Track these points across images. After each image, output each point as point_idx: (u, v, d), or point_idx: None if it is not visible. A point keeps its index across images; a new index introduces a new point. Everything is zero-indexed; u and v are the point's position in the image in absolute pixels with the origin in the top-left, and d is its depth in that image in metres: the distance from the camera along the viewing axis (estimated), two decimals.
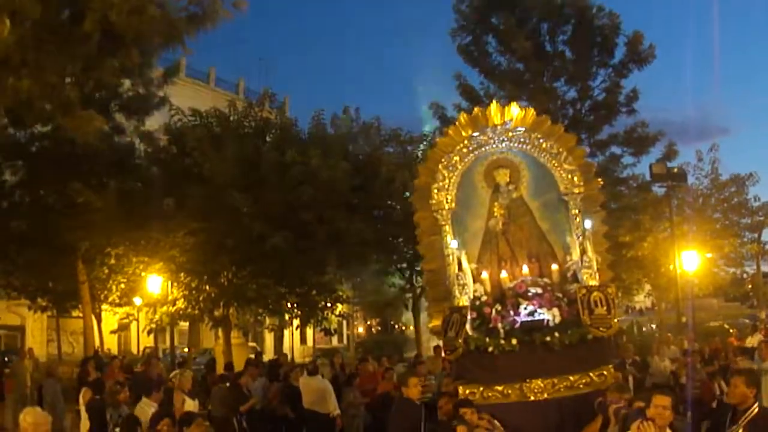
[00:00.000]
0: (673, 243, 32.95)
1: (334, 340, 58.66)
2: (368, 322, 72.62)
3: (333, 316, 35.69)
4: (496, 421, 10.74)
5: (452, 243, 12.16)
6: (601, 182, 13.15)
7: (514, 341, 11.36)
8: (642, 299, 62.14)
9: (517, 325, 11.66)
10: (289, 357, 41.43)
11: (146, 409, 12.86)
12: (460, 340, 11.59)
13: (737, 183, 40.39)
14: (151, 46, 18.30)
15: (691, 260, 33.17)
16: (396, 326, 68.76)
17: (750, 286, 56.36)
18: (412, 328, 48.22)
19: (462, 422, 10.06)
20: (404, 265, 36.25)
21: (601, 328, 11.34)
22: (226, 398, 19.24)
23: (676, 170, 33.74)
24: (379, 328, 70.29)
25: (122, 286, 32.97)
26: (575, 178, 12.21)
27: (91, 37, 16.21)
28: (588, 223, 12.00)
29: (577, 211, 12.16)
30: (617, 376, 12.62)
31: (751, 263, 45.01)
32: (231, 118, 31.23)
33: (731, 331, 40.96)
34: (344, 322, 53.55)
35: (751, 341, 28.64)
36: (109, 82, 24.38)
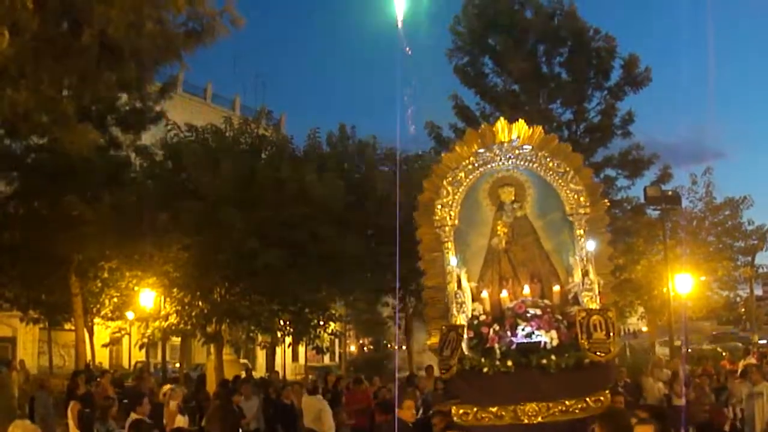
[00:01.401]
0: (666, 266, 32.95)
1: (326, 359, 58.50)
2: (360, 341, 72.44)
3: (325, 335, 35.63)
4: None
5: (452, 260, 12.04)
6: (608, 203, 13.07)
7: (509, 363, 11.20)
8: (635, 322, 62.14)
9: (514, 346, 11.50)
10: (281, 374, 41.37)
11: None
12: (455, 359, 11.43)
13: (731, 206, 40.45)
14: (149, 61, 18.32)
15: (684, 283, 33.21)
16: (389, 345, 68.62)
17: (743, 310, 56.43)
18: (404, 347, 48.18)
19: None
20: (397, 285, 36.19)
21: (598, 353, 11.16)
22: (220, 416, 19.19)
23: (670, 193, 33.76)
24: (371, 347, 70.11)
25: (115, 299, 32.96)
26: (581, 199, 12.03)
27: (89, 50, 16.23)
28: (591, 245, 11.91)
29: (581, 232, 11.96)
30: (618, 401, 12.58)
31: (744, 286, 45.08)
32: (227, 135, 31.22)
33: (724, 354, 40.99)
34: (336, 341, 53.45)
35: (744, 365, 28.62)
36: (106, 95, 24.42)
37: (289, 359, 59.19)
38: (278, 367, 48.65)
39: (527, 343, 11.46)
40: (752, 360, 30.21)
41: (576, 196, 12.07)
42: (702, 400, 19.31)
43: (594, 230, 12.24)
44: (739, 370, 24.65)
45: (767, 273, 51.64)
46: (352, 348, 69.68)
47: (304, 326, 33.46)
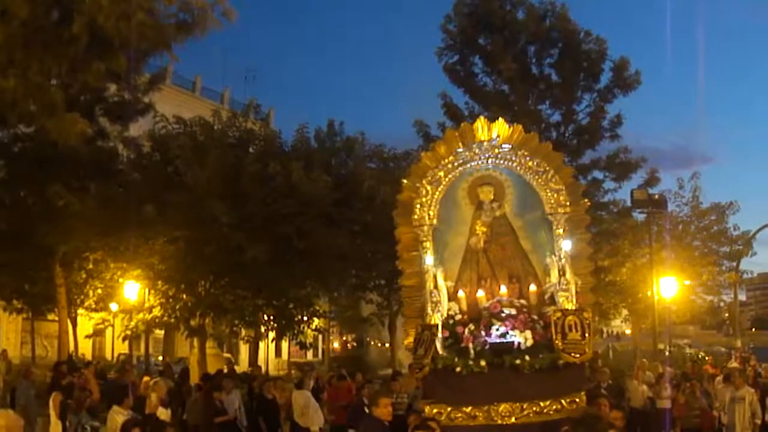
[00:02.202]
0: (651, 269, 33.01)
1: (309, 354, 58.50)
2: (344, 338, 72.45)
3: (309, 330, 35.61)
4: None
5: (428, 260, 11.95)
6: (588, 203, 12.95)
7: (482, 363, 11.11)
8: (619, 324, 62.30)
9: (487, 346, 11.42)
10: (264, 369, 41.33)
11: (116, 417, 12.72)
12: (428, 359, 11.37)
13: (717, 211, 40.51)
14: (139, 51, 18.25)
15: (669, 287, 33.29)
16: (372, 343, 68.62)
17: (727, 315, 56.59)
18: (388, 345, 48.18)
19: (425, 429, 9.94)
20: (382, 282, 36.22)
21: (573, 354, 11.05)
22: (200, 410, 19.17)
23: (657, 197, 33.78)
24: (355, 344, 70.12)
25: (99, 291, 32.91)
26: (561, 198, 11.91)
27: (79, 39, 16.16)
28: (567, 244, 11.72)
29: (561, 231, 11.83)
30: (603, 404, 12.53)
31: (728, 291, 45.15)
32: (215, 128, 31.17)
33: (707, 358, 41.08)
34: (320, 337, 53.45)
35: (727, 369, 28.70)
36: (95, 85, 24.29)
37: (272, 354, 59.19)
38: (261, 361, 48.68)
39: (500, 343, 11.37)
40: (735, 364, 30.30)
41: (556, 196, 11.95)
42: (692, 405, 19.33)
43: (574, 230, 12.12)
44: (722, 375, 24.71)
45: (752, 278, 51.82)
46: (335, 344, 69.70)
47: (288, 321, 33.48)
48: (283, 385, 23.48)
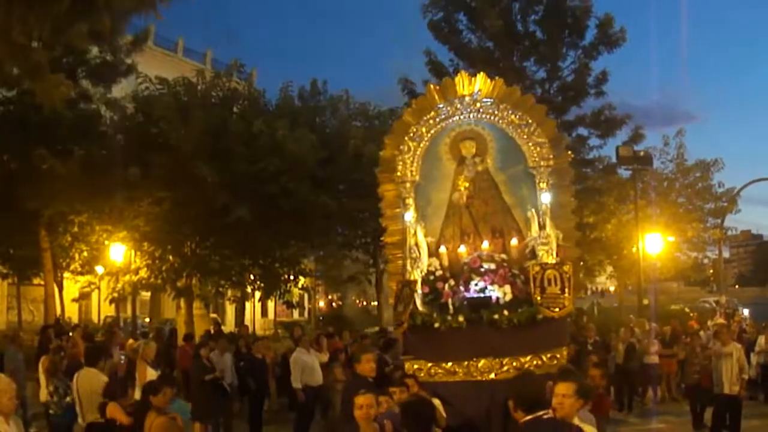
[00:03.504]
0: (636, 225, 33.10)
1: (296, 314, 58.63)
2: (329, 297, 72.60)
3: (295, 289, 35.65)
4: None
5: (407, 216, 11.93)
6: (572, 155, 12.88)
7: (461, 318, 11.11)
8: (603, 281, 62.57)
9: (466, 301, 11.42)
10: (250, 329, 41.39)
11: (94, 378, 12.56)
12: (406, 315, 11.41)
13: (702, 168, 40.65)
14: (123, 10, 18.03)
15: (654, 243, 33.46)
16: (358, 301, 68.84)
17: (711, 271, 56.86)
18: (374, 303, 48.33)
19: (401, 385, 9.87)
20: (368, 240, 36.25)
21: (553, 308, 11.02)
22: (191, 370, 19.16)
23: (642, 154, 33.83)
24: (341, 303, 70.31)
25: (85, 254, 32.76)
26: (544, 151, 11.83)
27: None
28: (546, 197, 11.66)
29: (544, 185, 11.75)
30: (591, 360, 12.47)
31: (713, 248, 45.39)
32: (198, 88, 30.99)
33: (691, 314, 41.32)
34: (306, 296, 53.52)
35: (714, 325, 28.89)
36: (78, 46, 24.07)
37: (258, 314, 59.30)
38: (248, 321, 48.68)
39: (477, 298, 11.34)
40: (720, 320, 30.50)
41: (539, 149, 11.86)
42: (692, 361, 19.40)
43: (558, 183, 12.05)
44: (711, 331, 24.87)
45: (736, 235, 52.06)
46: (321, 303, 69.88)
47: (274, 281, 33.46)
48: (269, 344, 23.58)
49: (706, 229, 42.12)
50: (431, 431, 8.50)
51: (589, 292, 65.16)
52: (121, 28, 24.57)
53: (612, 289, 69.62)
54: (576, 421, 7.12)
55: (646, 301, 33.94)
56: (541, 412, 6.86)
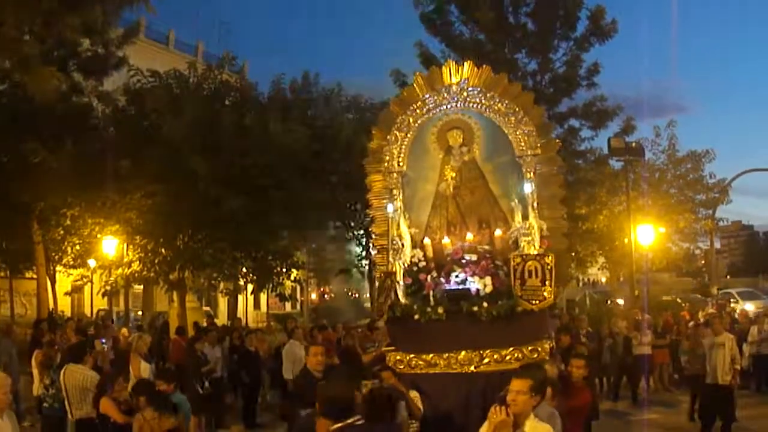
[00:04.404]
0: (628, 217, 33.18)
1: (288, 306, 58.66)
2: (321, 289, 72.59)
3: (288, 282, 35.70)
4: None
5: (389, 207, 11.84)
6: (560, 143, 12.75)
7: (440, 310, 11.00)
8: (595, 272, 62.62)
9: (446, 293, 11.31)
10: (243, 322, 41.40)
11: (79, 374, 12.50)
12: (386, 306, 11.37)
13: (693, 159, 40.69)
14: (114, 3, 17.99)
15: (646, 234, 33.49)
16: (350, 293, 68.82)
17: (703, 262, 56.97)
18: (367, 295, 48.34)
19: (376, 378, 9.72)
20: (361, 232, 36.29)
21: (532, 301, 10.83)
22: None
23: (634, 145, 33.91)
24: (333, 295, 70.30)
25: (77, 247, 32.69)
26: (531, 139, 11.63)
27: None
28: (528, 187, 11.46)
29: (530, 175, 11.54)
30: (580, 350, 12.37)
31: (704, 239, 45.50)
32: (190, 80, 30.95)
33: (684, 305, 41.45)
34: (298, 288, 53.58)
35: (706, 315, 28.97)
36: (70, 39, 24.05)
37: (251, 307, 59.30)
38: (240, 314, 48.69)
39: (457, 290, 11.23)
40: (712, 310, 30.59)
41: (526, 138, 11.66)
42: (696, 352, 19.39)
43: (546, 172, 11.87)
44: (702, 321, 24.94)
45: (727, 226, 52.12)
46: (313, 296, 69.88)
47: (266, 273, 33.47)
48: (262, 337, 23.59)
49: (697, 220, 42.17)
50: (394, 422, 8.35)
51: (581, 284, 65.27)
52: (113, 20, 24.67)
53: (604, 280, 69.65)
54: (531, 417, 7.03)
55: (637, 292, 34.02)
56: (350, 420, 6.79)
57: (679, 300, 46.18)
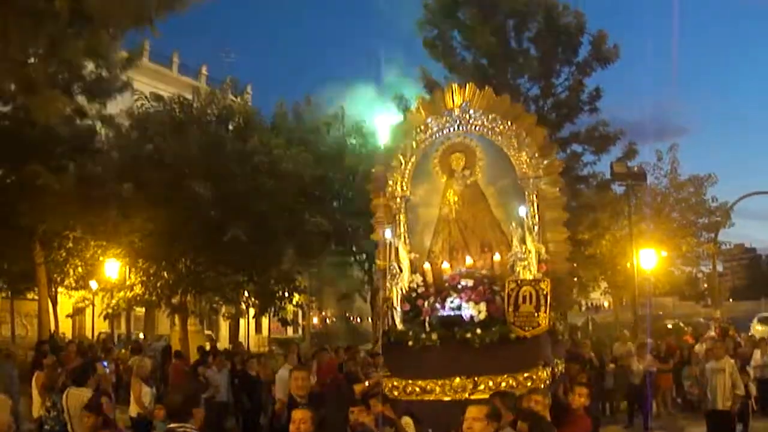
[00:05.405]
0: (630, 241, 33.14)
1: (290, 331, 58.55)
2: (323, 313, 72.42)
3: (290, 306, 35.64)
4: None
5: (386, 233, 11.82)
6: (563, 163, 12.72)
7: (434, 336, 10.99)
8: (598, 296, 62.54)
9: (437, 319, 11.29)
10: (245, 346, 41.33)
11: (82, 396, 12.52)
12: (381, 332, 11.37)
13: (695, 183, 40.70)
14: (120, 27, 18.06)
15: (648, 258, 33.46)
16: (351, 318, 68.70)
17: (705, 286, 56.92)
18: (369, 320, 48.25)
19: (361, 405, 9.63)
20: (363, 257, 36.26)
21: (526, 327, 10.78)
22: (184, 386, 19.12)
23: (636, 169, 33.92)
24: (334, 320, 70.17)
25: (79, 269, 32.70)
26: (533, 161, 11.74)
27: (61, 15, 15.98)
28: (523, 210, 11.44)
29: (533, 197, 11.62)
30: (581, 378, 12.29)
31: (707, 262, 45.44)
32: (194, 105, 31.03)
33: (686, 329, 41.35)
34: (300, 313, 53.57)
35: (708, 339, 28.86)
36: (75, 63, 24.10)
37: (252, 331, 59.21)
38: (242, 338, 48.60)
39: (449, 316, 11.21)
40: (713, 334, 30.53)
41: (528, 159, 11.75)
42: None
43: (548, 194, 11.88)
44: (705, 345, 24.84)
45: (730, 249, 52.10)
46: (315, 320, 69.74)
47: (268, 298, 33.43)
48: (265, 362, 23.54)
49: (699, 244, 42.12)
50: None
51: (583, 308, 65.21)
52: (117, 44, 24.74)
53: (606, 304, 69.59)
54: None
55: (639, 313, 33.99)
56: (177, 425, 6.76)
57: (681, 324, 46.11)
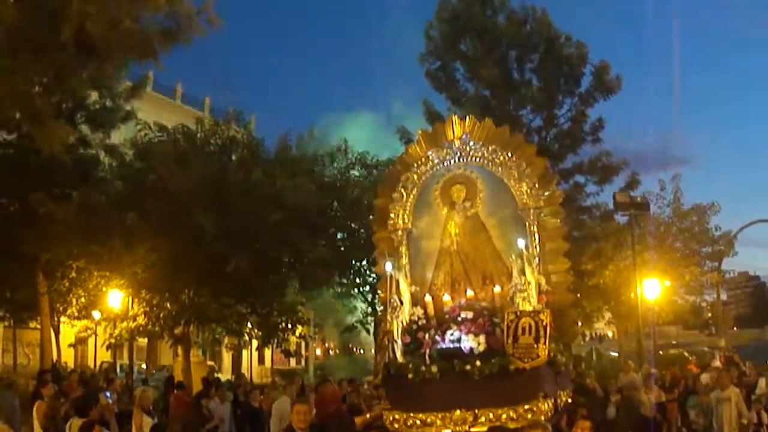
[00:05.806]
0: (634, 271, 33.09)
1: (293, 362, 58.49)
2: (326, 344, 72.36)
3: (293, 337, 35.59)
4: None
5: (387, 265, 11.77)
6: (563, 194, 12.67)
7: (434, 369, 10.91)
8: (602, 327, 62.40)
9: (437, 352, 11.25)
10: (247, 377, 41.25)
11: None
12: (381, 365, 11.36)
13: (699, 212, 40.65)
14: (125, 59, 18.18)
15: (652, 288, 33.39)
16: (355, 349, 68.63)
17: (710, 315, 56.78)
18: (372, 351, 48.13)
19: None
20: (367, 289, 36.25)
21: (524, 359, 10.61)
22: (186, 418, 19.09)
23: (639, 199, 33.90)
24: (337, 351, 70.12)
25: (82, 299, 32.68)
26: (534, 191, 11.72)
27: (67, 47, 16.08)
28: (522, 242, 11.32)
29: (534, 228, 11.58)
30: (581, 412, 12.26)
31: (711, 291, 45.33)
32: (198, 136, 31.11)
33: (690, 358, 41.22)
34: (303, 344, 53.51)
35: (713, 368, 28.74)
36: (79, 93, 24.23)
37: (255, 362, 59.12)
38: (244, 369, 48.54)
39: (448, 348, 11.17)
40: (718, 364, 30.41)
41: (528, 190, 11.72)
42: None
43: (549, 225, 11.87)
44: (710, 375, 24.72)
45: (734, 277, 52.00)
46: (318, 351, 69.67)
47: (271, 329, 33.40)
48: (269, 394, 23.46)
49: (703, 273, 42.04)
50: None
51: (587, 338, 65.07)
52: (121, 74, 24.92)
53: (611, 334, 69.46)
54: None
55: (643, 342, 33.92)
56: None
57: (686, 353, 45.99)
